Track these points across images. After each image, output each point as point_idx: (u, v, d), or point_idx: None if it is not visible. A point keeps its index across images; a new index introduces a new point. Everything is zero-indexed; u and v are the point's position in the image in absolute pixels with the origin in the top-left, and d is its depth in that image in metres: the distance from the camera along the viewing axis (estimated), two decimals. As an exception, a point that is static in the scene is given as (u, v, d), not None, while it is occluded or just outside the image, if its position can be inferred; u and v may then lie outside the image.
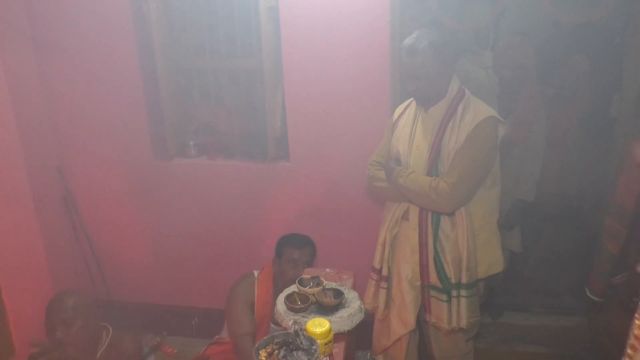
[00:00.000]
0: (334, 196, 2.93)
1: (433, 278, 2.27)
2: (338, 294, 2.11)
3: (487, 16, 2.84)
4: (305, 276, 2.22)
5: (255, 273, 2.72)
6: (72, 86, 3.05)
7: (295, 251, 2.62)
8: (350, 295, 2.15)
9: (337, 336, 1.97)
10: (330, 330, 1.86)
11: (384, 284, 2.39)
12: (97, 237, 3.34)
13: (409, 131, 2.28)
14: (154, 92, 3.06)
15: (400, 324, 2.40)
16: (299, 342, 1.76)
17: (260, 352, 1.74)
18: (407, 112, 2.35)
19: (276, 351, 1.74)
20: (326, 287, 2.15)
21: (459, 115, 2.15)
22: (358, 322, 2.05)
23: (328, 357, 1.88)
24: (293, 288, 2.18)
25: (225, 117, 3.24)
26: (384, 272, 2.38)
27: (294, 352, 1.74)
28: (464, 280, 2.22)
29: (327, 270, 2.45)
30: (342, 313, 2.04)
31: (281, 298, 2.11)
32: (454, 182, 2.10)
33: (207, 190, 3.11)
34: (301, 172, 2.94)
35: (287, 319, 2.00)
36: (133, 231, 3.30)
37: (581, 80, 3.18)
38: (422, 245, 2.26)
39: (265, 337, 1.79)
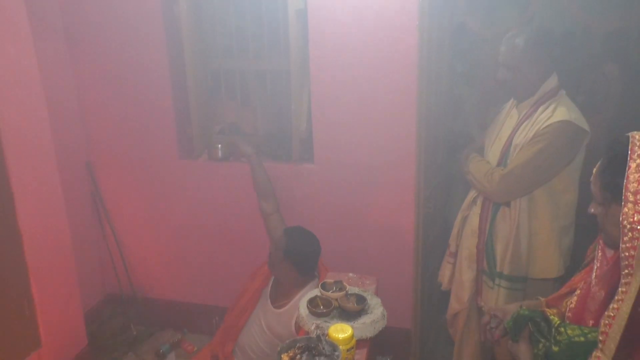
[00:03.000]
0: (358, 200, 2.93)
1: (485, 263, 2.42)
2: (361, 299, 2.11)
3: (516, 21, 2.81)
4: (328, 280, 2.22)
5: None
6: (102, 84, 3.10)
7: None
8: (373, 302, 2.14)
9: (359, 342, 1.96)
10: (352, 336, 1.85)
11: (450, 260, 2.62)
12: (122, 234, 3.40)
13: (498, 125, 2.43)
14: (182, 91, 3.09)
15: (456, 299, 2.60)
16: (322, 348, 1.76)
17: (282, 355, 1.75)
18: (504, 108, 2.49)
19: (298, 355, 1.75)
20: (349, 292, 2.14)
21: (537, 113, 2.23)
22: (381, 328, 2.03)
23: (350, 363, 1.87)
24: (316, 292, 2.18)
25: (251, 117, 3.26)
26: (452, 248, 2.60)
27: (317, 358, 1.74)
28: (505, 271, 2.33)
29: (350, 275, 2.45)
30: (365, 319, 2.03)
31: (304, 302, 2.11)
32: (505, 173, 2.22)
33: (231, 190, 3.13)
34: (325, 175, 2.94)
35: (310, 323, 2.00)
36: (158, 229, 3.34)
37: (612, 87, 3.13)
38: (481, 230, 2.41)
39: (287, 341, 1.79)
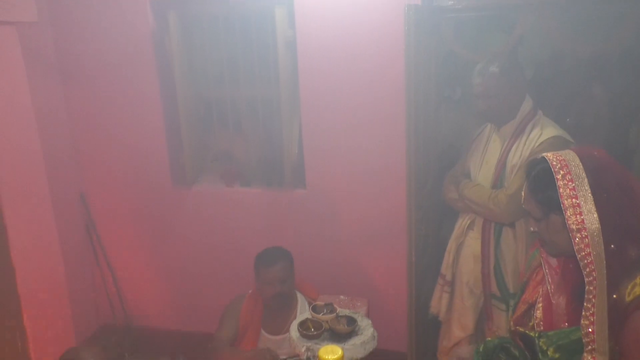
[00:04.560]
0: (350, 224, 2.95)
1: (493, 287, 2.40)
2: (351, 321, 2.11)
3: (503, 46, 2.86)
4: (319, 303, 2.21)
5: (249, 291, 2.68)
6: (96, 116, 3.15)
7: (266, 270, 2.49)
8: (364, 323, 2.14)
9: (350, 364, 1.96)
10: (342, 357, 1.84)
11: (447, 289, 2.57)
12: (116, 264, 3.39)
13: (481, 148, 2.47)
14: (174, 120, 3.14)
15: (459, 327, 2.55)
16: (311, 369, 1.76)
17: (272, 378, 1.74)
18: (482, 132, 2.53)
19: (288, 378, 1.74)
20: (339, 314, 2.14)
21: (526, 133, 2.30)
22: (371, 349, 2.03)
23: (340, 385, 1.86)
24: (306, 315, 2.17)
25: (242, 145, 3.30)
26: (448, 277, 2.55)
27: (306, 379, 1.73)
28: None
29: (341, 297, 2.45)
30: (355, 340, 2.03)
31: (294, 325, 2.11)
32: (512, 193, 2.24)
33: (224, 217, 3.15)
34: (317, 200, 2.97)
35: (300, 345, 1.99)
36: (152, 258, 3.35)
37: (600, 111, 3.17)
38: (484, 254, 2.40)
39: (278, 364, 1.79)
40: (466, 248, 2.50)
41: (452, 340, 2.60)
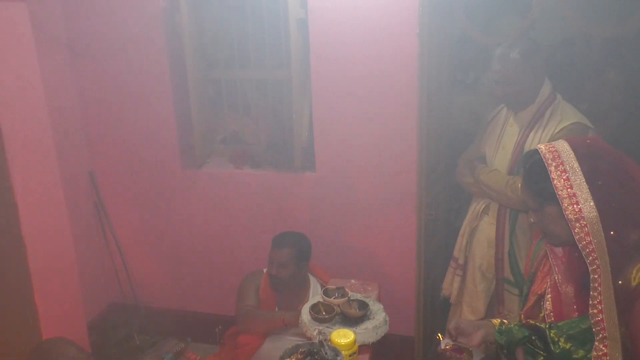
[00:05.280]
0: (359, 207, 2.94)
1: (507, 272, 2.41)
2: (363, 305, 2.11)
3: (516, 29, 2.82)
4: (331, 287, 2.22)
5: (265, 270, 2.73)
6: (105, 95, 3.13)
7: (272, 250, 2.60)
8: (375, 307, 2.15)
9: (361, 348, 1.97)
10: (355, 341, 1.86)
11: (459, 272, 2.59)
12: (125, 243, 3.40)
13: (497, 133, 2.44)
14: (184, 101, 3.12)
15: (469, 310, 2.57)
16: (324, 353, 1.76)
17: (285, 361, 1.75)
18: (498, 115, 2.50)
19: (301, 361, 1.75)
20: (351, 298, 2.15)
21: (545, 119, 2.28)
22: (383, 334, 2.04)
23: (352, 369, 1.87)
24: (318, 298, 2.18)
25: (252, 127, 3.28)
26: (461, 261, 2.58)
27: (319, 362, 1.74)
28: None
29: (352, 281, 2.45)
30: (367, 325, 2.03)
31: (306, 308, 2.12)
32: None
33: (233, 199, 3.14)
34: (327, 183, 2.95)
35: (312, 328, 2.00)
36: (160, 238, 3.35)
37: (615, 96, 3.13)
38: (499, 239, 2.41)
39: (290, 346, 1.79)
40: (480, 232, 2.51)
41: None
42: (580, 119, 2.26)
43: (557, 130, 2.23)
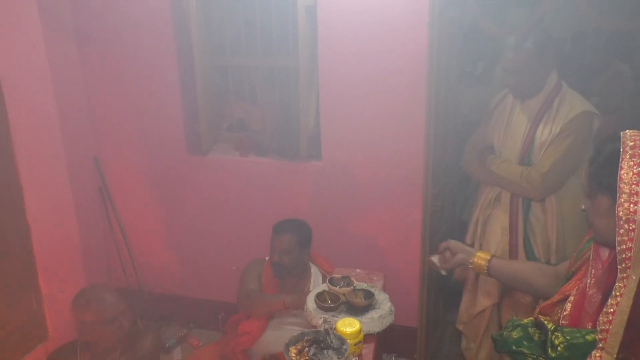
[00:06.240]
0: (365, 197, 2.93)
1: (522, 258, 2.42)
2: (368, 294, 2.11)
3: (526, 21, 2.80)
4: (336, 276, 2.22)
5: (267, 258, 2.73)
6: (111, 80, 3.12)
7: (273, 237, 2.61)
8: (381, 297, 2.14)
9: (367, 337, 1.97)
10: (360, 330, 1.86)
11: None
12: (129, 229, 3.40)
13: (504, 122, 2.44)
14: (190, 88, 3.10)
15: (485, 295, 2.58)
16: (329, 341, 1.76)
17: (290, 348, 1.75)
18: (503, 103, 2.49)
19: (306, 348, 1.75)
20: (357, 287, 2.15)
21: (554, 108, 2.28)
22: (388, 324, 2.04)
23: (357, 358, 1.87)
24: (323, 287, 2.18)
25: (258, 114, 3.26)
26: (475, 248, 2.54)
27: (324, 351, 1.74)
28: (553, 261, 2.34)
29: (358, 270, 2.45)
30: (373, 314, 2.03)
31: (311, 296, 2.11)
32: (545, 172, 2.24)
33: (238, 187, 3.14)
34: (333, 172, 2.94)
35: (317, 317, 2.00)
36: (165, 224, 3.35)
37: (626, 87, 3.11)
38: (513, 227, 2.42)
39: (296, 334, 1.79)
40: (493, 220, 2.52)
41: (477, 308, 2.65)
42: (588, 107, 2.27)
43: (567, 121, 2.24)
